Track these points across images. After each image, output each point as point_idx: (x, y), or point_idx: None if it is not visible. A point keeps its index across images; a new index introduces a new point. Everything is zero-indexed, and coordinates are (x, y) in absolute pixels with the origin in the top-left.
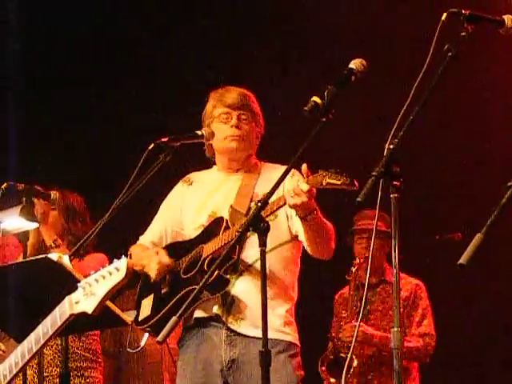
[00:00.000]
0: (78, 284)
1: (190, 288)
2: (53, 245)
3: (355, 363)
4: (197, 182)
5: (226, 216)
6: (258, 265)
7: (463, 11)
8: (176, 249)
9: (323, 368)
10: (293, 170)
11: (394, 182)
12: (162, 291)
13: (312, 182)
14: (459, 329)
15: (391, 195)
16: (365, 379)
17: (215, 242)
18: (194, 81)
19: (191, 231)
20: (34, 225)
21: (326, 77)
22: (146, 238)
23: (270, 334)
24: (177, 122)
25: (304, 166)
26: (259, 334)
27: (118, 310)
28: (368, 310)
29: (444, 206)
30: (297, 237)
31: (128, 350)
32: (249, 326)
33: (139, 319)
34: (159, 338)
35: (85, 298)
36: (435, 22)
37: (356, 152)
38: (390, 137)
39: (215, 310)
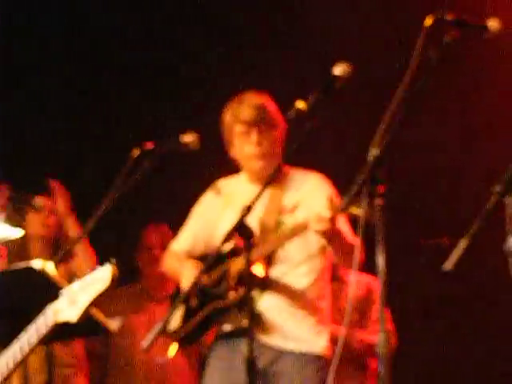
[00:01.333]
0: (62, 292)
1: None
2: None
3: None
4: (227, 193)
5: (255, 231)
6: (285, 280)
7: (447, 16)
8: (207, 261)
9: None
10: (323, 179)
11: (379, 189)
12: (192, 304)
13: (335, 209)
14: (443, 333)
15: (375, 202)
16: None
17: (242, 260)
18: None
19: (224, 245)
20: (20, 232)
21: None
22: (179, 246)
23: (297, 346)
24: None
25: (329, 195)
26: (288, 345)
27: (102, 317)
28: None
29: (430, 211)
30: (326, 247)
31: (158, 359)
32: (277, 338)
33: (170, 329)
34: (144, 344)
35: (68, 306)
36: (419, 27)
37: (340, 158)
38: (374, 143)
39: (244, 323)
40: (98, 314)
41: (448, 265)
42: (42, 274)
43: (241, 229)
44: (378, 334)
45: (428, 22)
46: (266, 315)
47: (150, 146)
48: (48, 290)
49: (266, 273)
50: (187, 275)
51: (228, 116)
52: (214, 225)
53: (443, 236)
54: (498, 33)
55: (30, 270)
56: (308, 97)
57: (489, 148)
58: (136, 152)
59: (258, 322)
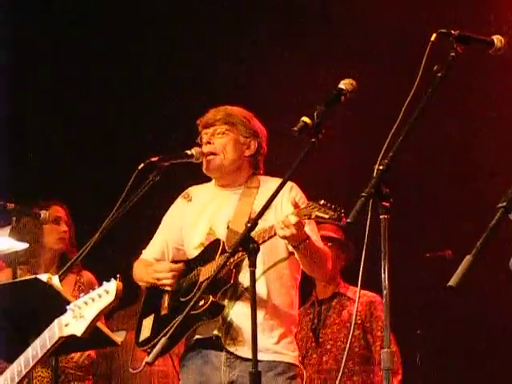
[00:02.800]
0: (68, 306)
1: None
2: None
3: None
4: (195, 198)
5: (223, 237)
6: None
7: (452, 32)
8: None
9: None
10: (292, 184)
11: (384, 203)
12: (162, 313)
13: (301, 214)
14: (448, 347)
15: (381, 216)
16: None
17: (211, 267)
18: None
19: (191, 250)
20: (24, 245)
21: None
22: (148, 254)
23: (268, 356)
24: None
25: (293, 200)
26: (258, 355)
27: (107, 331)
28: (323, 324)
29: (435, 224)
30: (293, 253)
31: (130, 370)
32: (247, 350)
33: (140, 340)
34: (149, 359)
35: (74, 321)
36: (425, 43)
37: (346, 173)
38: (379, 157)
39: (215, 332)
40: (104, 328)
41: (453, 282)
42: (48, 287)
43: (246, 243)
44: (382, 351)
45: (434, 36)
46: (236, 324)
47: (154, 159)
48: (54, 303)
49: (234, 279)
50: (147, 273)
51: (198, 126)
52: (184, 231)
53: (447, 249)
54: (503, 48)
55: (37, 281)
56: (313, 111)
57: (495, 162)
58: (141, 165)
59: (228, 331)
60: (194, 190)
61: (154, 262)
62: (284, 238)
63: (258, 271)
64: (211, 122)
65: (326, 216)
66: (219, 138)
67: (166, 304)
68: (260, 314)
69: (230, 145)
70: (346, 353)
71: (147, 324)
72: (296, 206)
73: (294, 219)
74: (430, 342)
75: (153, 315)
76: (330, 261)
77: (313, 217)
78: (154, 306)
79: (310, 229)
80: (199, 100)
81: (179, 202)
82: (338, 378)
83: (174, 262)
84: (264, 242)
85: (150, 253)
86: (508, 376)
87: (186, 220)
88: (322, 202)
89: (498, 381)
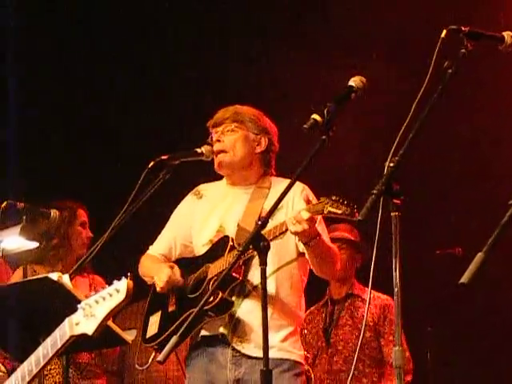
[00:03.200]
0: (79, 305)
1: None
2: None
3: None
4: (206, 195)
5: (233, 234)
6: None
7: (463, 28)
8: (184, 265)
9: None
10: (303, 185)
11: (395, 200)
12: (169, 309)
13: (313, 210)
14: (458, 344)
15: (392, 213)
16: None
17: (220, 263)
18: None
19: (199, 247)
20: (34, 244)
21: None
22: (155, 249)
23: (274, 354)
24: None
25: (305, 196)
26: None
27: (118, 330)
28: (336, 324)
29: (445, 221)
30: (303, 254)
31: (137, 367)
32: (254, 348)
33: (146, 336)
34: (160, 357)
35: (85, 320)
36: (435, 39)
37: (357, 169)
38: (390, 155)
39: (221, 329)
40: (114, 327)
41: (465, 279)
42: (59, 286)
43: (257, 241)
44: (394, 349)
45: (444, 33)
46: (243, 322)
47: (164, 157)
48: (65, 301)
49: (242, 277)
50: (161, 275)
51: (208, 127)
52: (194, 228)
53: (457, 246)
54: None
55: (48, 280)
56: (323, 109)
57: (507, 158)
58: (151, 164)
59: (235, 328)
60: (205, 188)
61: (160, 259)
62: (296, 233)
63: (268, 270)
64: (220, 120)
65: (339, 211)
66: (229, 136)
67: (173, 301)
68: (268, 313)
69: (239, 141)
70: (356, 354)
71: (154, 321)
72: (308, 201)
73: (306, 215)
74: (441, 339)
75: (160, 312)
76: (339, 261)
77: (325, 212)
78: (160, 303)
79: (320, 229)
80: (207, 100)
81: (189, 199)
82: (349, 379)
83: (182, 258)
84: (275, 238)
85: (156, 248)
86: None
87: (196, 217)
88: (334, 197)
89: (510, 378)
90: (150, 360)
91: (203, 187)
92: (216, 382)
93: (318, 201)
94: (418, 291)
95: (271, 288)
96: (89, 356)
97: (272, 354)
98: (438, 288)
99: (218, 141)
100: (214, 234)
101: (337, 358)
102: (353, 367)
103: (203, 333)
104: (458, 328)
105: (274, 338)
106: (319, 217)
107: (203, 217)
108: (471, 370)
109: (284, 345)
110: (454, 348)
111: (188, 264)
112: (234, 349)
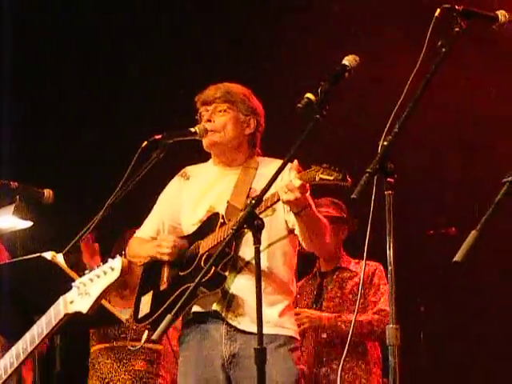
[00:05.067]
0: (73, 283)
1: (188, 285)
2: None
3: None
4: (194, 176)
5: (223, 211)
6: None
7: (456, 7)
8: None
9: None
10: (291, 164)
11: (388, 179)
12: (161, 288)
13: (305, 178)
14: (451, 324)
15: (385, 192)
16: (320, 361)
17: (211, 239)
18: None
19: (189, 226)
20: (28, 224)
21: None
22: (143, 232)
23: (270, 329)
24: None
25: (295, 162)
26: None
27: (112, 308)
28: (325, 297)
29: (438, 201)
30: (293, 230)
31: (129, 347)
32: (249, 323)
33: (139, 316)
34: (154, 336)
35: (79, 298)
36: (428, 18)
37: (350, 149)
38: (384, 133)
39: (214, 306)
40: (108, 306)
41: (458, 257)
42: (53, 265)
43: (250, 219)
44: (388, 327)
45: (438, 12)
46: (238, 297)
47: (157, 137)
48: (59, 281)
49: (234, 252)
50: (163, 242)
51: (196, 102)
52: (182, 209)
53: (451, 226)
54: (507, 23)
55: (42, 259)
56: (317, 88)
57: (498, 138)
58: (144, 143)
59: (229, 304)
60: (192, 169)
61: (150, 240)
62: (288, 202)
63: (263, 246)
64: (211, 99)
65: (331, 178)
66: (220, 117)
67: (164, 279)
68: (262, 289)
69: (230, 123)
70: (351, 326)
71: (146, 301)
72: (299, 170)
73: (298, 182)
74: (433, 319)
75: (151, 292)
76: (329, 235)
77: (317, 179)
78: (152, 283)
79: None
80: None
81: (176, 181)
82: (344, 352)
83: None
84: (267, 209)
85: (145, 230)
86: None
87: (184, 198)
88: (324, 165)
89: (501, 358)
90: (143, 339)
91: (190, 169)
92: (211, 358)
93: (310, 168)
94: (410, 271)
95: (263, 264)
96: (143, 364)
97: (267, 329)
98: (430, 268)
99: (209, 120)
100: (204, 213)
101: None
102: (348, 340)
103: (195, 309)
104: (450, 308)
105: (269, 313)
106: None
107: (192, 198)
108: (464, 349)
109: (279, 320)
110: (446, 328)
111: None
112: (228, 324)
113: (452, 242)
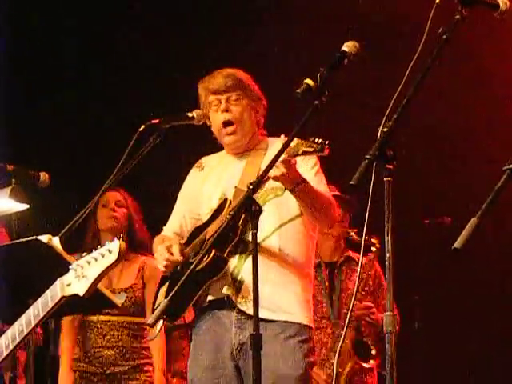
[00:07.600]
0: (70, 266)
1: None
2: None
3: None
4: (208, 166)
5: (231, 197)
6: (266, 244)
7: None
8: (192, 235)
9: None
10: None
11: (388, 166)
12: (175, 277)
13: (289, 152)
14: (446, 313)
15: (384, 178)
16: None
17: (216, 224)
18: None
19: (205, 216)
20: (24, 206)
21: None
22: (168, 229)
23: (281, 316)
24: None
25: (281, 137)
26: (269, 316)
27: (108, 292)
28: (340, 288)
29: (434, 191)
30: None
31: (148, 338)
32: (260, 308)
33: (155, 306)
34: (149, 320)
35: (76, 280)
36: (430, 5)
37: (350, 135)
38: (383, 120)
39: (225, 290)
40: (104, 289)
41: (458, 244)
42: (49, 248)
43: (248, 205)
44: (385, 314)
45: None
46: (246, 282)
47: (155, 121)
48: (55, 264)
49: (239, 236)
50: (162, 258)
51: (201, 90)
52: (199, 200)
53: (446, 215)
54: (509, 11)
55: (38, 242)
56: (316, 73)
57: (497, 127)
58: (142, 127)
59: (239, 289)
60: (207, 160)
61: (173, 238)
62: (275, 178)
63: (274, 226)
64: (223, 88)
65: (311, 150)
66: (235, 106)
67: (178, 268)
68: (274, 272)
69: (246, 112)
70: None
71: (163, 291)
72: (283, 146)
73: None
74: (428, 307)
75: (168, 282)
76: (336, 208)
77: (300, 153)
78: (170, 273)
79: (317, 179)
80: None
81: (193, 173)
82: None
83: (191, 231)
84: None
85: (169, 228)
86: (509, 342)
87: (201, 189)
88: (308, 138)
89: (497, 346)
90: (157, 330)
91: (205, 159)
92: (221, 344)
93: (295, 143)
94: (405, 260)
95: (275, 245)
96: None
97: (278, 316)
98: (425, 257)
99: (226, 110)
100: (217, 202)
101: (342, 322)
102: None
103: (210, 298)
104: (445, 297)
105: (281, 298)
106: (315, 166)
107: (207, 188)
108: (458, 338)
109: (290, 307)
110: (441, 317)
111: (196, 233)
112: (238, 310)
113: (447, 231)
